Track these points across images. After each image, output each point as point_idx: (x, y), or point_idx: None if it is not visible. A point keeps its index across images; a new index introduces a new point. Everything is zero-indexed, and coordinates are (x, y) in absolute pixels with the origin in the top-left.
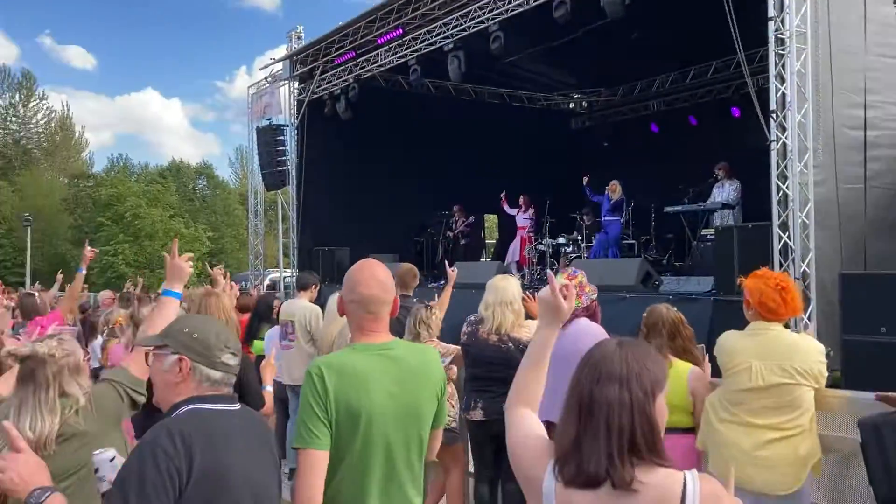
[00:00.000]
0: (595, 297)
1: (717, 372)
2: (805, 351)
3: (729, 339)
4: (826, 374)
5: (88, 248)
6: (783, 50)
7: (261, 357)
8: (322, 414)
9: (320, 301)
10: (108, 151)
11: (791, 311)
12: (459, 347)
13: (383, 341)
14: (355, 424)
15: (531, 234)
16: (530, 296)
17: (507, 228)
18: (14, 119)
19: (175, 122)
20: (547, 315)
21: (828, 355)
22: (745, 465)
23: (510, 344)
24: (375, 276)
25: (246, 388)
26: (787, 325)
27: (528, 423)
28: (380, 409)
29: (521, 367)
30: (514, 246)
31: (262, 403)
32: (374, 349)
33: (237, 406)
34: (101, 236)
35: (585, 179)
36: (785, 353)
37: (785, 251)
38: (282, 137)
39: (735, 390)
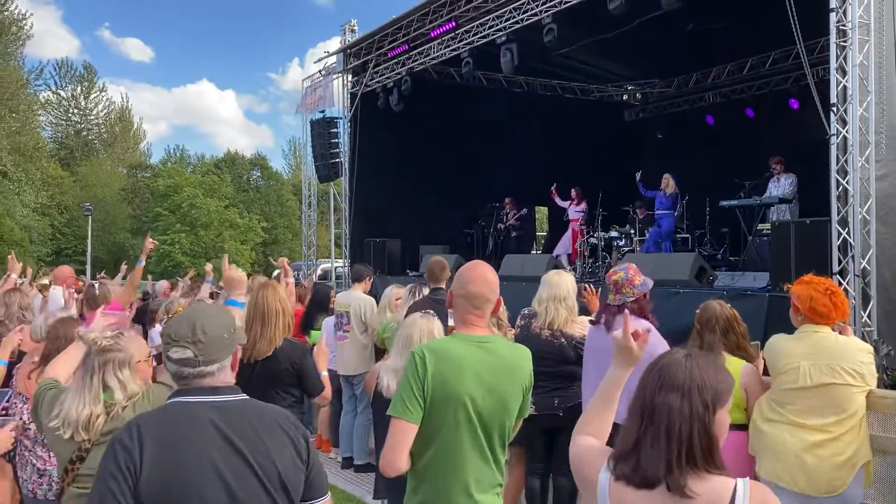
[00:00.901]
0: (644, 289)
1: (766, 373)
2: (853, 351)
3: (777, 342)
4: (876, 374)
5: (150, 239)
6: (845, 41)
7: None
8: (418, 391)
9: (372, 292)
10: (165, 142)
11: (841, 315)
12: None
13: (483, 335)
14: (448, 404)
15: (583, 227)
16: (592, 289)
17: (558, 220)
18: (76, 111)
19: (229, 114)
20: (619, 356)
21: (888, 354)
22: (790, 466)
23: (562, 339)
24: (485, 277)
25: (304, 375)
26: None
27: (590, 441)
28: (471, 393)
29: (592, 402)
30: (566, 238)
31: (321, 388)
32: (473, 340)
33: (225, 397)
34: (159, 226)
35: (638, 175)
36: (833, 353)
37: (844, 247)
38: (335, 130)
39: (783, 390)
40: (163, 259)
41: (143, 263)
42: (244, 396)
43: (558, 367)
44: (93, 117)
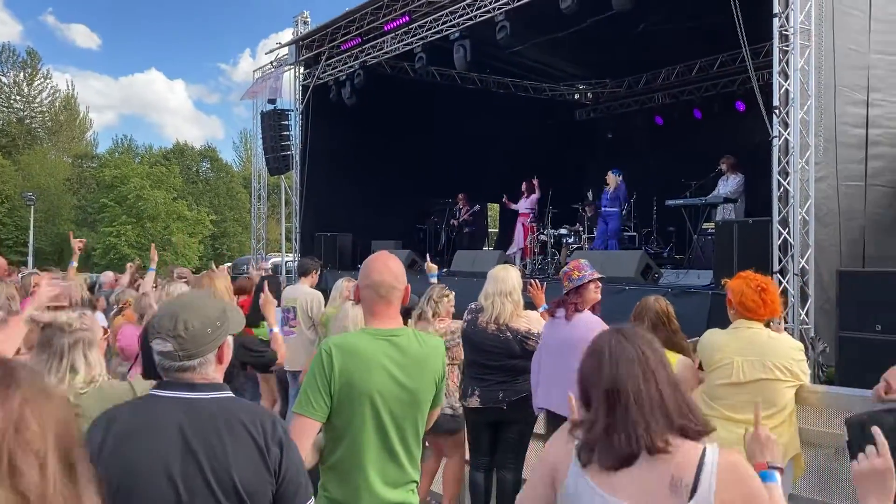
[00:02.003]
0: (579, 283)
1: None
2: (784, 348)
3: (711, 337)
4: (808, 371)
5: (75, 240)
6: (787, 46)
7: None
8: (323, 388)
9: (322, 286)
10: (113, 132)
11: (770, 313)
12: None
13: (392, 328)
14: (355, 401)
15: (533, 224)
16: (537, 283)
17: (509, 217)
18: (18, 98)
19: (179, 104)
20: None
21: (824, 351)
22: None
23: (508, 333)
24: (388, 265)
25: (245, 358)
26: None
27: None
28: (380, 390)
29: None
30: (517, 234)
31: (272, 358)
32: (383, 334)
33: (200, 395)
34: (105, 217)
35: (590, 195)
36: (765, 349)
37: (784, 247)
38: (286, 122)
39: (716, 385)
40: (108, 251)
41: (75, 265)
42: (223, 394)
43: (504, 361)
44: (36, 105)
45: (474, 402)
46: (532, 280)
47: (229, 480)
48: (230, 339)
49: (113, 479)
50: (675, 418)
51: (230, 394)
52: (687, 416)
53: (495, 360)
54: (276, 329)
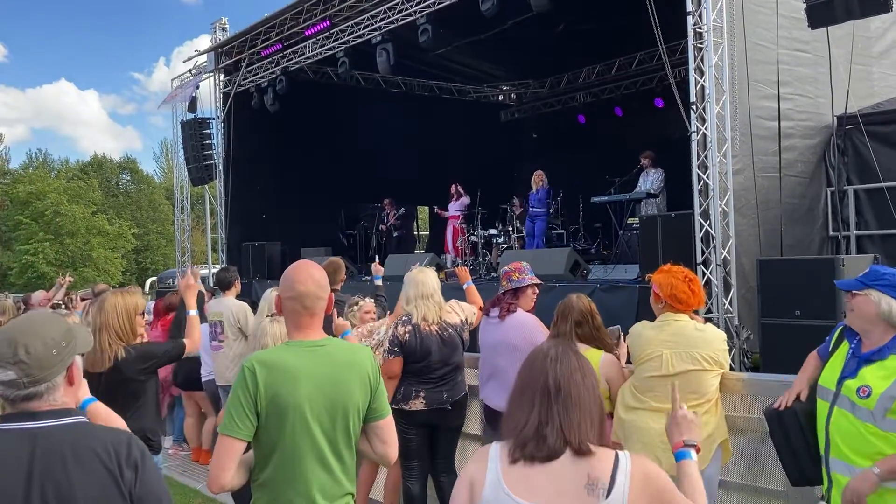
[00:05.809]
0: (516, 285)
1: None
2: (710, 340)
3: (641, 330)
4: (728, 360)
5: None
6: (701, 43)
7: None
8: (248, 406)
9: (252, 297)
10: (25, 147)
11: (698, 302)
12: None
13: (316, 339)
14: (284, 416)
15: (463, 226)
16: (461, 267)
17: (440, 220)
18: None
19: (93, 115)
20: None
21: (748, 339)
22: (655, 449)
23: (449, 329)
24: (311, 275)
25: (154, 361)
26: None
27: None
28: (308, 402)
29: None
30: (447, 236)
31: (181, 346)
32: (306, 346)
33: (43, 423)
34: (20, 235)
35: (517, 203)
36: (692, 341)
37: (706, 239)
38: (207, 131)
39: (645, 377)
40: (25, 270)
41: None
42: (72, 420)
43: (453, 358)
44: None
45: (418, 403)
46: (456, 267)
47: None
48: (79, 359)
49: None
50: (598, 426)
51: (81, 419)
52: (602, 433)
53: (445, 359)
54: (194, 312)
